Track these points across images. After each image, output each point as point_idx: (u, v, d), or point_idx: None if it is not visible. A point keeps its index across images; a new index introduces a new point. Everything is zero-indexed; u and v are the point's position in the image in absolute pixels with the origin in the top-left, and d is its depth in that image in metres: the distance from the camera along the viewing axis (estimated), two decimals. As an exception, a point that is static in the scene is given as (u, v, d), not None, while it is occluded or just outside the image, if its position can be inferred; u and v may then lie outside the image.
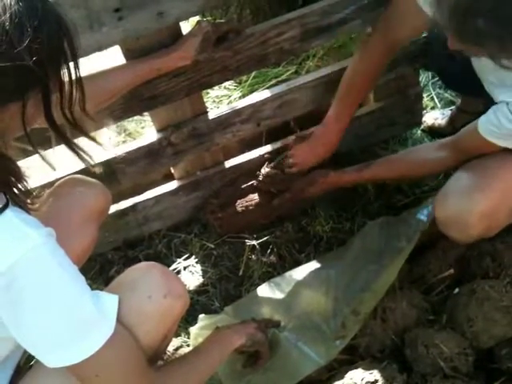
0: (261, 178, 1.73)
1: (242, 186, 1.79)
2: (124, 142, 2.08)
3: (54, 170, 0.94)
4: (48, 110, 0.87)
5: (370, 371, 1.30)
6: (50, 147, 0.96)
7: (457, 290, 1.45)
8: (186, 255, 1.78)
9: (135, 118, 2.09)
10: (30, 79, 0.82)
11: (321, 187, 1.68)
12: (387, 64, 1.60)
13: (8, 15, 0.78)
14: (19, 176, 0.90)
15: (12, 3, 0.78)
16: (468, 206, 1.29)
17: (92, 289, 0.96)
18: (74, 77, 0.88)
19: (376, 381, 1.28)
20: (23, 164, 0.95)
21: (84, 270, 0.96)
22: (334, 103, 1.63)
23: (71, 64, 0.87)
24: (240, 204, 1.76)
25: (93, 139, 0.98)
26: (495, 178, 1.29)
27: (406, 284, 1.50)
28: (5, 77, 0.79)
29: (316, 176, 1.68)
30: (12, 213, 0.86)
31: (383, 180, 1.72)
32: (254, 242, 1.75)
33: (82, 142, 0.97)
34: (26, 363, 1.37)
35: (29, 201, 0.92)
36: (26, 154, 0.99)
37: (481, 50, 1.05)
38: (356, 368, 1.33)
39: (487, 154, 1.33)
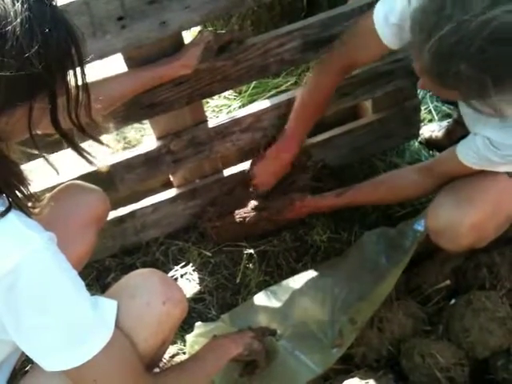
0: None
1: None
2: (123, 149, 2.08)
3: (58, 173, 0.95)
4: (54, 114, 0.88)
5: (366, 380, 1.30)
6: (53, 152, 0.97)
7: (453, 301, 1.46)
8: (183, 263, 1.78)
9: (135, 125, 2.10)
10: (37, 84, 0.83)
11: (297, 211, 1.70)
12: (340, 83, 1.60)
13: (19, 21, 0.79)
14: (22, 179, 0.91)
15: (23, 9, 0.79)
16: (459, 218, 1.31)
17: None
18: (80, 82, 0.90)
19: (372, 390, 1.28)
20: (26, 167, 0.96)
21: (81, 277, 0.96)
22: (290, 119, 1.63)
23: (78, 70, 0.89)
24: (237, 213, 1.76)
25: (99, 141, 0.99)
26: (487, 191, 1.31)
27: (402, 294, 1.50)
28: (13, 81, 0.80)
29: (293, 199, 1.69)
30: (14, 216, 0.87)
31: (362, 204, 1.72)
32: (252, 251, 1.75)
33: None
34: (21, 368, 1.38)
35: (30, 204, 0.92)
36: (29, 157, 0.99)
37: (457, 93, 1.03)
38: (352, 377, 1.33)
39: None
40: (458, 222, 1.30)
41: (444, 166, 1.42)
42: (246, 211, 1.76)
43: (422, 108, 2.02)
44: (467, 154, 1.29)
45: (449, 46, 0.94)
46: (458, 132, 1.84)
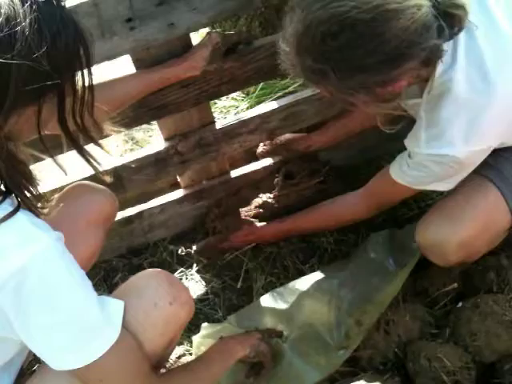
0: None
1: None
2: (131, 150, 2.09)
3: (66, 174, 0.96)
4: (62, 115, 0.89)
5: (373, 383, 1.30)
6: (61, 152, 0.98)
7: (460, 304, 1.45)
8: (190, 264, 1.79)
9: (143, 126, 2.10)
10: (46, 84, 0.84)
11: (244, 238, 1.73)
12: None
13: (28, 21, 0.80)
14: (31, 179, 0.92)
15: (32, 10, 0.80)
16: (447, 236, 1.32)
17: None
18: (87, 83, 0.90)
19: (378, 393, 1.28)
20: (35, 168, 0.96)
21: (88, 277, 0.97)
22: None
23: (85, 70, 0.89)
24: (242, 214, 1.77)
25: (101, 146, 1.00)
26: (476, 207, 1.31)
27: (409, 297, 1.50)
28: (23, 81, 0.81)
29: (239, 225, 1.74)
30: (23, 215, 0.88)
31: (303, 231, 1.74)
32: (258, 252, 1.75)
33: (90, 148, 0.99)
34: (28, 367, 1.38)
35: (39, 205, 0.93)
36: (38, 157, 1.00)
37: (324, 88, 1.12)
38: (358, 380, 1.33)
39: (469, 183, 1.36)
40: (447, 239, 1.32)
41: (379, 187, 1.46)
42: (249, 210, 1.76)
43: (430, 110, 2.01)
44: (399, 173, 1.33)
45: (298, 43, 1.06)
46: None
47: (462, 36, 1.11)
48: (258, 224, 1.74)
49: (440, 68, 1.13)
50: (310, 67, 1.07)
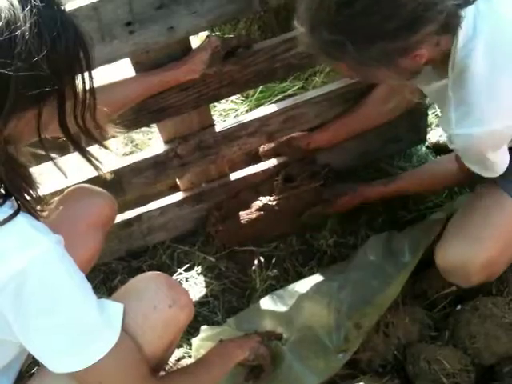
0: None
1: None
2: (131, 152, 2.09)
3: (66, 177, 0.96)
4: (62, 118, 0.89)
5: (372, 386, 1.30)
6: (61, 155, 0.98)
7: (459, 307, 1.46)
8: (189, 266, 1.79)
9: (142, 129, 2.10)
10: (46, 87, 0.84)
11: (349, 201, 1.71)
12: None
13: (28, 25, 0.80)
14: (31, 182, 0.92)
15: (32, 14, 0.80)
16: (470, 258, 1.31)
17: (95, 298, 0.97)
18: (87, 86, 0.91)
19: (378, 396, 1.28)
20: (34, 170, 0.97)
21: (88, 279, 0.97)
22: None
23: (86, 73, 0.89)
24: (242, 217, 1.77)
25: (105, 146, 1.00)
26: (495, 226, 1.31)
27: (408, 300, 1.50)
28: (23, 85, 0.81)
29: (344, 189, 1.72)
30: (23, 218, 0.88)
31: (407, 193, 1.74)
32: (258, 255, 1.75)
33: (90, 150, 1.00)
34: (27, 370, 1.38)
35: (39, 207, 0.93)
36: (38, 160, 1.00)
37: (342, 63, 1.12)
38: (358, 382, 1.33)
39: (483, 198, 1.36)
40: (469, 262, 1.31)
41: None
42: (250, 213, 1.76)
43: (430, 113, 2.02)
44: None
45: (312, 18, 1.05)
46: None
47: (481, 7, 1.09)
48: (361, 187, 1.73)
49: (461, 41, 1.11)
50: (327, 41, 1.05)
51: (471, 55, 1.12)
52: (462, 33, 1.10)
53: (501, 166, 1.27)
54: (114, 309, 1.01)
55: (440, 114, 1.26)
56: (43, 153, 0.94)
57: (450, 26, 1.06)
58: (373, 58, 1.07)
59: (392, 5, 0.99)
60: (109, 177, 1.06)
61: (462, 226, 1.36)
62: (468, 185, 1.81)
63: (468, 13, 1.08)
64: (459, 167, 1.43)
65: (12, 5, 0.80)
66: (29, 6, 0.81)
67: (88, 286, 0.95)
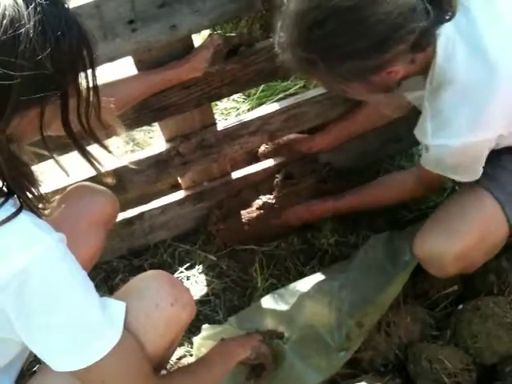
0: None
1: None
2: (132, 151, 2.09)
3: (68, 175, 0.96)
4: (65, 116, 0.89)
5: (374, 385, 1.30)
6: (63, 153, 0.98)
7: (461, 306, 1.46)
8: (191, 265, 1.79)
9: (144, 127, 2.10)
10: (49, 86, 0.84)
11: (295, 216, 1.72)
12: None
13: (32, 23, 0.80)
14: (33, 180, 0.92)
15: (36, 12, 0.80)
16: (444, 248, 1.32)
17: (97, 296, 0.97)
18: (91, 84, 0.90)
19: (379, 395, 1.28)
20: (36, 169, 0.97)
21: (89, 278, 0.97)
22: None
23: (89, 72, 0.89)
24: (243, 215, 1.77)
25: (105, 147, 1.00)
26: (473, 220, 1.32)
27: (410, 299, 1.50)
28: (26, 83, 0.81)
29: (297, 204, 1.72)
30: (25, 217, 0.88)
31: (360, 209, 1.71)
32: (259, 254, 1.75)
33: (92, 149, 1.00)
34: (28, 368, 1.38)
35: (41, 206, 0.93)
36: (40, 159, 1.00)
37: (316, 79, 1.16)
38: (359, 382, 1.33)
39: (465, 193, 1.37)
40: (443, 252, 1.32)
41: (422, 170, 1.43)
42: (251, 211, 1.76)
43: (431, 112, 2.01)
44: (424, 159, 1.33)
45: (289, 35, 1.09)
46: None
47: (461, 21, 1.10)
48: (313, 202, 1.72)
49: (441, 56, 1.13)
50: (301, 58, 1.09)
51: (451, 71, 1.13)
52: (441, 49, 1.12)
53: (477, 172, 1.29)
54: (116, 307, 1.01)
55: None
56: (45, 151, 0.93)
57: (424, 44, 1.08)
58: (343, 75, 1.10)
59: (362, 26, 1.01)
60: (110, 181, 1.06)
61: (441, 219, 1.37)
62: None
63: (446, 29, 1.09)
64: (419, 178, 1.46)
65: (16, 3, 0.80)
66: (33, 4, 0.81)
67: (90, 285, 0.95)
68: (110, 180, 1.05)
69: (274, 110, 1.68)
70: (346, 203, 1.65)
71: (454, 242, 1.31)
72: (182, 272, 1.77)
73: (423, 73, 1.19)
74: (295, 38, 1.08)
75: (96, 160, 0.98)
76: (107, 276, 1.77)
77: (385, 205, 1.68)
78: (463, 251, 1.31)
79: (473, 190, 1.35)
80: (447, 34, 1.11)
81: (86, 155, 0.97)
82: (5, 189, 0.89)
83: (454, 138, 1.17)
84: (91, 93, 0.91)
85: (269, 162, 1.84)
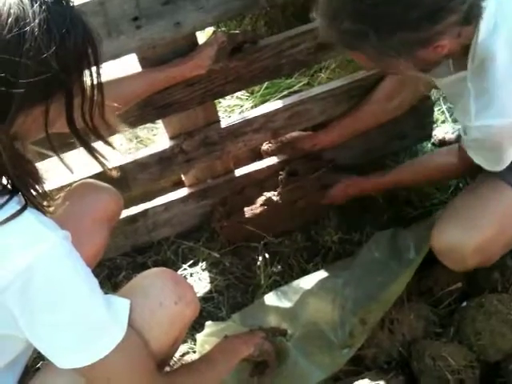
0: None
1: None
2: (135, 148, 2.09)
3: (72, 172, 0.96)
4: (70, 114, 0.89)
5: (377, 382, 1.30)
6: (67, 151, 0.98)
7: (465, 304, 1.46)
8: (194, 262, 1.79)
9: (147, 125, 2.10)
10: (54, 84, 0.84)
11: (341, 192, 1.70)
12: None
13: (37, 21, 0.80)
14: (37, 178, 0.92)
15: (41, 10, 0.80)
16: (463, 240, 1.31)
17: (100, 293, 0.97)
18: (95, 82, 0.90)
19: (382, 392, 1.28)
20: (41, 166, 0.97)
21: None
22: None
23: (94, 70, 0.89)
24: (247, 213, 1.77)
25: (110, 145, 1.00)
26: (492, 212, 1.31)
27: (413, 296, 1.50)
28: (31, 82, 0.81)
29: (337, 178, 1.71)
30: (30, 214, 0.88)
31: (404, 185, 1.72)
32: (263, 251, 1.75)
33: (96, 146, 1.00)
34: (32, 365, 1.39)
35: (45, 203, 0.93)
36: (44, 156, 1.00)
37: (361, 54, 1.12)
38: (362, 379, 1.33)
39: (483, 185, 1.35)
40: (463, 245, 1.31)
41: (463, 154, 1.39)
42: (254, 208, 1.76)
43: (435, 109, 2.01)
44: (465, 143, 1.30)
45: (333, 8, 1.06)
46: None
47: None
48: (356, 177, 1.72)
49: (483, 31, 1.11)
50: (348, 31, 1.05)
51: (493, 47, 1.11)
52: (484, 25, 1.10)
53: (508, 160, 1.27)
54: (120, 305, 1.01)
55: (454, 107, 1.26)
56: (49, 150, 0.94)
57: (472, 16, 1.06)
58: (394, 48, 1.06)
59: None
60: (115, 175, 1.06)
61: (459, 210, 1.36)
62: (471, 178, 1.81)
63: (489, 4, 1.08)
64: (460, 160, 1.43)
65: (21, 1, 0.80)
66: (38, 2, 0.81)
67: (95, 282, 0.96)
68: (115, 173, 1.05)
69: (277, 107, 1.68)
70: (390, 179, 1.63)
71: (473, 235, 1.29)
72: (185, 269, 1.77)
73: (461, 54, 1.16)
74: (343, 9, 1.04)
75: (102, 156, 0.98)
76: (110, 273, 1.78)
77: (428, 183, 1.71)
78: (482, 244, 1.30)
79: (492, 181, 1.33)
80: (489, 9, 1.09)
81: (92, 151, 0.97)
82: (9, 186, 0.89)
83: (498, 118, 1.15)
84: (96, 91, 0.91)
85: (272, 160, 1.84)
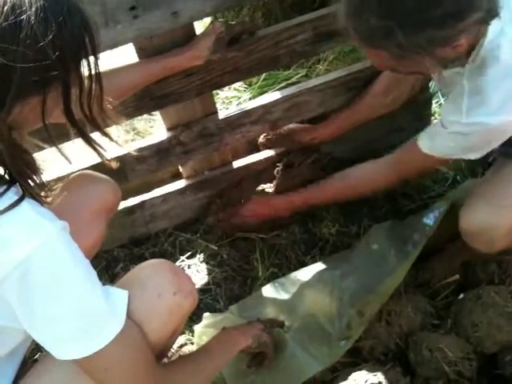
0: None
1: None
2: (133, 140, 2.09)
3: (70, 163, 0.95)
4: (67, 104, 0.88)
5: (374, 373, 1.30)
6: (65, 141, 0.98)
7: (462, 296, 1.46)
8: (192, 254, 1.79)
9: (144, 116, 2.10)
10: (51, 73, 0.83)
11: (257, 210, 1.70)
12: None
13: (34, 10, 0.79)
14: (35, 168, 0.91)
15: None
16: (494, 221, 1.29)
17: (98, 285, 0.97)
18: (93, 72, 0.90)
19: (379, 383, 1.29)
20: (38, 157, 0.96)
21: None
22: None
23: (91, 59, 0.88)
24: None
25: (108, 135, 1.00)
26: None
27: (411, 288, 1.50)
28: (28, 71, 0.80)
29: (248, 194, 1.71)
30: (28, 205, 0.87)
31: (319, 204, 1.69)
32: (260, 243, 1.75)
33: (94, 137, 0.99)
34: (30, 356, 1.39)
35: (43, 194, 0.92)
36: (42, 147, 0.99)
37: (384, 52, 1.11)
38: (360, 370, 1.33)
39: (505, 166, 1.35)
40: (494, 225, 1.29)
41: (409, 161, 1.44)
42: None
43: (433, 102, 2.01)
44: (433, 144, 1.32)
45: (357, 4, 1.06)
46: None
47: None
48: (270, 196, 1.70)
49: (493, 31, 1.12)
50: (373, 27, 1.05)
51: (498, 48, 1.13)
52: (492, 26, 1.11)
53: (489, 150, 1.28)
54: (118, 296, 1.01)
55: (443, 100, 1.27)
56: (47, 140, 0.93)
57: (491, 15, 1.07)
58: (419, 45, 1.06)
59: None
60: (114, 166, 1.05)
61: (487, 192, 1.35)
62: (470, 172, 1.81)
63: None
64: (394, 168, 1.46)
65: None
66: None
67: (93, 273, 0.95)
68: (114, 165, 1.04)
69: (275, 98, 1.68)
70: (301, 199, 1.63)
71: (504, 216, 1.28)
72: (183, 261, 1.77)
73: (466, 53, 1.17)
74: (368, 6, 1.04)
75: (100, 146, 0.97)
76: (108, 265, 1.78)
77: (347, 199, 1.65)
78: None
79: None
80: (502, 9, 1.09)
81: (90, 142, 0.96)
82: (7, 177, 0.88)
83: (492, 116, 1.16)
84: (93, 80, 0.90)
85: (270, 152, 1.83)
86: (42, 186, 0.93)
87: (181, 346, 1.54)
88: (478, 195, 1.37)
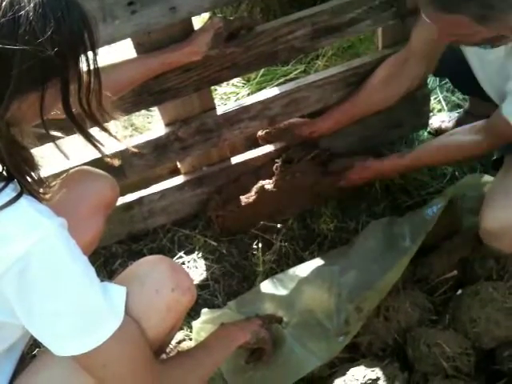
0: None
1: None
2: (131, 136, 2.08)
3: (68, 159, 0.95)
4: (66, 100, 0.88)
5: (372, 369, 1.31)
6: (63, 137, 0.97)
7: (460, 291, 1.46)
8: (190, 250, 1.79)
9: (142, 112, 2.09)
10: (50, 69, 0.83)
11: (360, 174, 1.70)
12: None
13: (32, 5, 0.78)
14: (33, 165, 0.91)
15: None
16: None
17: (96, 281, 0.96)
18: (92, 68, 0.89)
19: (377, 378, 1.28)
20: (36, 153, 0.96)
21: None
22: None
23: (90, 55, 0.88)
24: (242, 201, 1.77)
25: (107, 130, 0.99)
26: None
27: (409, 284, 1.50)
28: (26, 67, 0.80)
29: (354, 161, 1.70)
30: (26, 201, 0.87)
31: (423, 166, 1.71)
32: (259, 239, 1.75)
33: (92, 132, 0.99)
34: (28, 352, 1.39)
35: (41, 190, 0.92)
36: (40, 142, 0.99)
37: (466, 20, 1.07)
38: (358, 366, 1.33)
39: None
40: None
41: (495, 125, 1.39)
42: (249, 196, 1.76)
43: (432, 98, 2.01)
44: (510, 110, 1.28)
45: None
46: (468, 123, 1.81)
47: None
48: (373, 160, 1.70)
49: None
50: None
51: None
52: None
53: None
54: (117, 292, 1.00)
55: (489, 79, 1.29)
56: (45, 135, 0.92)
57: None
58: (498, 8, 1.04)
59: None
60: (116, 162, 1.05)
61: (508, 188, 1.33)
62: (468, 168, 1.82)
63: None
64: (487, 136, 1.41)
65: None
66: None
67: (91, 270, 0.95)
68: (116, 161, 1.04)
69: (274, 94, 1.67)
70: (409, 159, 1.61)
71: None
72: (181, 257, 1.77)
73: None
74: None
75: (99, 142, 0.97)
76: (106, 261, 1.78)
77: (448, 163, 1.70)
78: None
79: None
80: None
81: (89, 138, 0.96)
82: (5, 173, 0.88)
83: None
84: (92, 76, 0.90)
85: (269, 147, 1.83)
86: (40, 182, 0.92)
87: (179, 342, 1.54)
88: (497, 195, 1.36)
